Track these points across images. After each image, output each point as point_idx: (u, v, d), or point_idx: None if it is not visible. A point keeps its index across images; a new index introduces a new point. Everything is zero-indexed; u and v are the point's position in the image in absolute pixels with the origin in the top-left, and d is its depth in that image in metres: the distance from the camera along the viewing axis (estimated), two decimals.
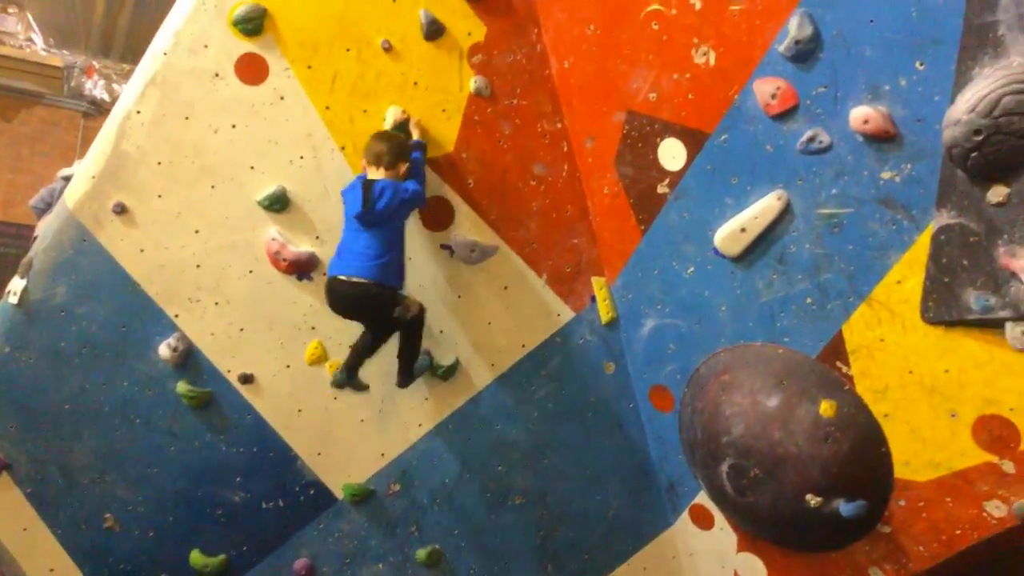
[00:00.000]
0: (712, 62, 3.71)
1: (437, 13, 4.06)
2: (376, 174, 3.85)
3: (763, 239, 3.76)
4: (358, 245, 3.81)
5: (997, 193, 3.02)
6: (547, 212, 4.37)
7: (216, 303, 4.06)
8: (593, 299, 4.44)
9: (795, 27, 3.39)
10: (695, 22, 3.70)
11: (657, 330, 4.29)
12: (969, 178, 3.08)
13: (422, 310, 4.01)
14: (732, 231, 3.84)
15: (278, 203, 4.00)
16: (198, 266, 4.01)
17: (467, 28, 4.14)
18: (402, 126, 4.07)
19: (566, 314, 4.44)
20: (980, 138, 2.94)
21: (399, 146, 3.90)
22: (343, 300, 3.86)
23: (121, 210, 3.89)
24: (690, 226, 4.02)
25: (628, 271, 4.35)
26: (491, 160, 4.26)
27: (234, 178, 3.97)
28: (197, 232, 3.98)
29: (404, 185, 3.86)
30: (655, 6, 3.81)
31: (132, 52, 10.24)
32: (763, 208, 3.72)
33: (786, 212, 3.67)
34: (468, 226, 4.26)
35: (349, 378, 4.05)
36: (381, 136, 3.92)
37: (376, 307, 3.89)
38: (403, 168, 3.89)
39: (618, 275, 4.40)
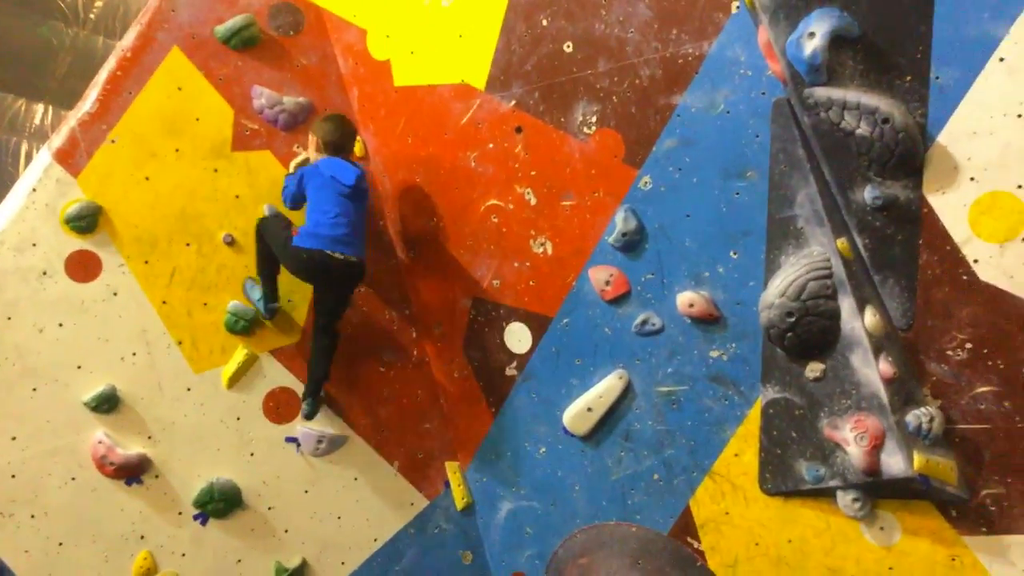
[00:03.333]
0: (550, 251, 3.91)
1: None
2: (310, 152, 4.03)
3: (609, 417, 3.86)
4: (343, 221, 3.85)
5: (814, 369, 3.25)
6: (398, 398, 4.33)
7: (32, 516, 3.70)
8: (447, 485, 4.36)
9: (621, 221, 3.65)
10: (531, 216, 3.91)
11: (513, 513, 4.23)
12: (788, 356, 3.31)
13: None
14: (579, 411, 3.91)
15: (107, 403, 3.78)
16: (13, 476, 3.68)
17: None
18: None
19: (420, 502, 4.32)
20: (793, 319, 3.19)
21: (349, 134, 4.07)
22: (331, 275, 3.90)
23: None
24: (539, 407, 4.08)
25: (482, 454, 4.32)
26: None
27: (59, 379, 3.74)
28: (14, 439, 3.68)
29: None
30: (493, 201, 4.01)
31: None
32: (606, 388, 3.83)
33: (628, 391, 3.80)
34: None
35: (314, 406, 4.04)
36: (341, 121, 4.04)
37: (353, 284, 4.06)
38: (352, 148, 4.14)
39: (472, 459, 4.36)
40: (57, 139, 3.86)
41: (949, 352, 3.04)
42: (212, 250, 3.97)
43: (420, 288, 4.35)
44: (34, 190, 3.77)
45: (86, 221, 3.78)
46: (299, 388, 4.12)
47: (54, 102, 10.94)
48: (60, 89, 10.72)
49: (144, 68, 3.93)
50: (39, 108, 11.05)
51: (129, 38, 4.00)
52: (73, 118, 3.90)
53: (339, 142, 3.97)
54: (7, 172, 10.92)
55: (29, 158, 10.93)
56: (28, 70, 10.61)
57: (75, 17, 10.43)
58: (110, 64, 3.95)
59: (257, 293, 4.03)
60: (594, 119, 3.69)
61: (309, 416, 4.05)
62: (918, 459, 2.98)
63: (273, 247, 3.92)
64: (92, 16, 10.44)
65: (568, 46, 3.70)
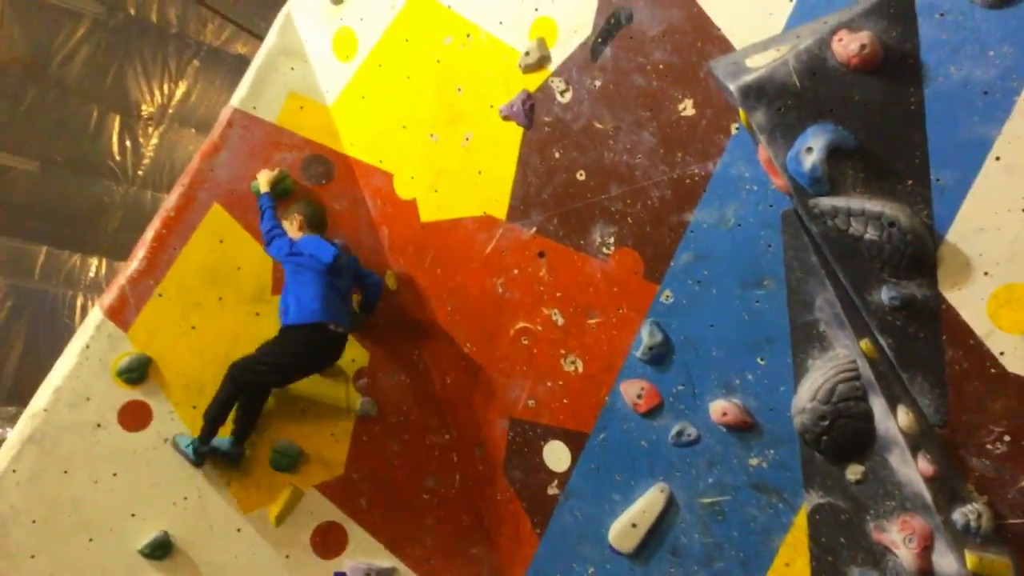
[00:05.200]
0: (580, 369, 3.99)
1: None
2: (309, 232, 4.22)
3: (654, 532, 3.83)
4: (331, 293, 4.03)
5: (854, 472, 3.23)
6: (443, 525, 4.35)
7: None
8: None
9: (647, 335, 3.74)
10: (560, 336, 4.02)
11: None
12: (826, 459, 3.30)
13: None
14: (624, 527, 3.90)
15: (160, 549, 3.87)
16: None
17: (351, 355, 4.36)
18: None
19: None
20: (826, 423, 3.20)
21: (323, 211, 4.36)
22: (328, 347, 4.07)
23: None
24: (584, 525, 4.07)
25: None
26: (383, 478, 4.30)
27: (113, 528, 3.85)
28: None
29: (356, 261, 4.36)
30: (522, 323, 4.14)
31: (19, 396, 10.09)
32: (649, 502, 3.83)
33: (671, 504, 3.79)
34: (362, 549, 4.18)
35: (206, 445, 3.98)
36: (309, 203, 4.30)
37: (338, 356, 4.20)
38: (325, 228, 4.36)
39: None
40: (108, 296, 4.10)
41: (988, 446, 3.02)
42: None
43: (458, 413, 4.43)
44: (87, 346, 3.99)
45: (137, 373, 3.97)
46: (345, 522, 4.17)
47: (107, 255, 11.54)
48: (113, 243, 11.34)
49: (187, 225, 4.21)
50: (93, 262, 11.65)
51: (172, 198, 4.29)
52: (123, 276, 4.15)
53: (320, 219, 4.28)
54: (63, 324, 11.43)
55: (84, 310, 11.46)
56: (83, 227, 11.27)
57: (124, 175, 11.12)
58: (155, 224, 4.23)
59: (186, 441, 4.01)
60: (612, 240, 3.84)
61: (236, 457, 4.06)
62: (971, 558, 2.91)
63: (259, 357, 4.03)
64: (140, 173, 11.12)
65: (581, 174, 3.89)
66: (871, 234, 3.08)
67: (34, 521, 3.77)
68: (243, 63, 10.20)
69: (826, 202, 3.14)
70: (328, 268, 4.03)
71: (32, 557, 3.74)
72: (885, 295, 3.12)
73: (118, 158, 10.92)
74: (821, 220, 3.15)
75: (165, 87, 10.63)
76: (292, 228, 4.20)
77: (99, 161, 10.90)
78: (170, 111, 10.85)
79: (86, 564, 3.79)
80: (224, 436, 4.02)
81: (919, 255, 3.05)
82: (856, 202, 3.11)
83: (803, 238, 3.31)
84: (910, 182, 3.08)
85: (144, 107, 10.68)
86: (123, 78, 10.31)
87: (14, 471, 3.78)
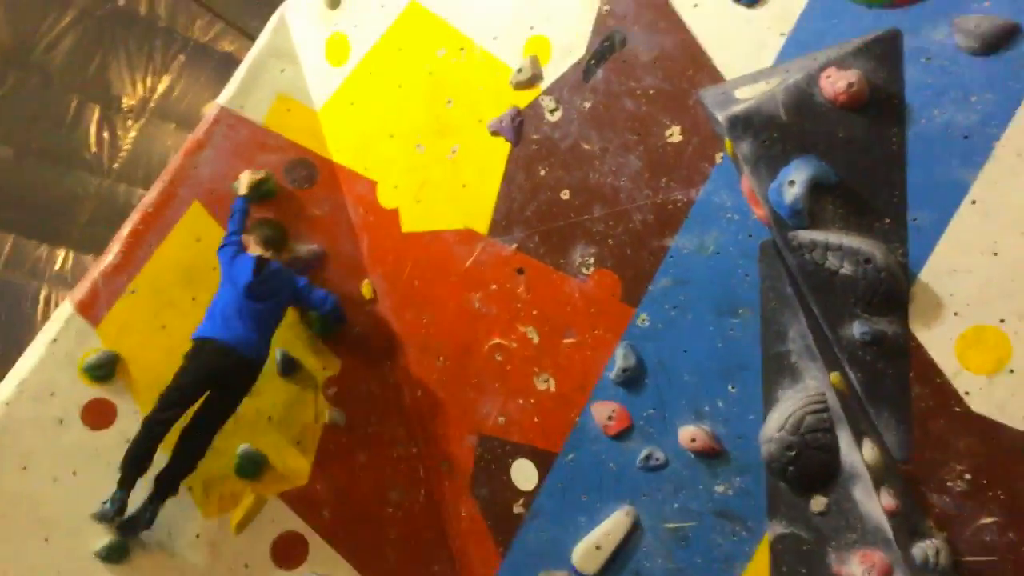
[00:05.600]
0: (553, 388, 4.00)
1: (292, 350, 4.25)
2: (264, 253, 4.07)
3: (618, 555, 3.84)
4: (243, 317, 3.87)
5: (818, 503, 3.26)
6: (405, 539, 4.32)
7: None
8: None
9: (621, 357, 3.76)
10: (534, 354, 4.03)
11: None
12: (791, 489, 3.33)
13: None
14: (588, 548, 3.89)
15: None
16: None
17: (322, 363, 4.33)
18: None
19: None
20: (793, 453, 3.24)
21: (282, 232, 4.20)
22: (212, 365, 3.82)
23: None
24: (548, 545, 4.06)
25: None
26: (346, 489, 4.27)
27: (71, 528, 3.76)
28: None
29: (305, 282, 4.16)
30: (497, 340, 4.14)
31: None
32: (614, 524, 3.83)
33: (636, 527, 3.80)
34: (322, 561, 4.13)
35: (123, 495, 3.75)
36: (267, 222, 4.16)
37: (240, 381, 3.94)
38: (284, 250, 4.19)
39: None
40: (79, 290, 4.04)
41: (949, 483, 3.06)
42: None
43: (427, 426, 4.41)
44: (55, 340, 3.92)
45: (104, 370, 3.91)
46: (307, 532, 4.13)
47: (76, 248, 11.34)
48: (82, 236, 11.14)
49: (165, 222, 4.17)
50: (60, 254, 11.44)
51: (152, 194, 4.25)
52: (95, 270, 4.09)
53: (277, 241, 4.17)
54: (25, 316, 11.20)
55: (48, 303, 11.24)
56: (53, 217, 11.07)
57: (99, 167, 10.96)
58: (133, 218, 4.18)
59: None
60: (592, 260, 3.86)
61: (149, 522, 3.81)
62: None
63: (171, 382, 3.86)
64: (116, 166, 10.97)
65: (565, 193, 3.91)
66: (847, 269, 3.13)
67: None
68: (229, 61, 10.14)
69: (805, 235, 3.18)
70: (243, 292, 3.93)
71: None
72: (857, 330, 3.16)
73: (94, 149, 10.75)
74: (799, 252, 3.20)
75: (148, 80, 10.52)
76: (251, 244, 4.14)
77: (75, 152, 10.73)
78: (151, 105, 10.73)
79: (41, 563, 3.70)
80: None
81: (892, 292, 3.10)
82: (834, 237, 3.16)
83: (780, 269, 3.36)
84: (888, 220, 3.14)
85: (125, 99, 10.56)
86: (106, 69, 10.19)
87: None
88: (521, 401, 4.10)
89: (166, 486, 3.83)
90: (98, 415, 3.88)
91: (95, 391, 3.90)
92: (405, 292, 4.43)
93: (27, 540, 3.70)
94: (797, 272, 3.24)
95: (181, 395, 3.84)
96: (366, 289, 4.45)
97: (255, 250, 4.09)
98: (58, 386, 3.85)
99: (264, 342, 4.01)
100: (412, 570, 4.27)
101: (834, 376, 3.24)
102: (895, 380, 3.15)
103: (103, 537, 3.78)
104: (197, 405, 3.89)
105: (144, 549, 3.86)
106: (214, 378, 3.88)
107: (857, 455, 3.15)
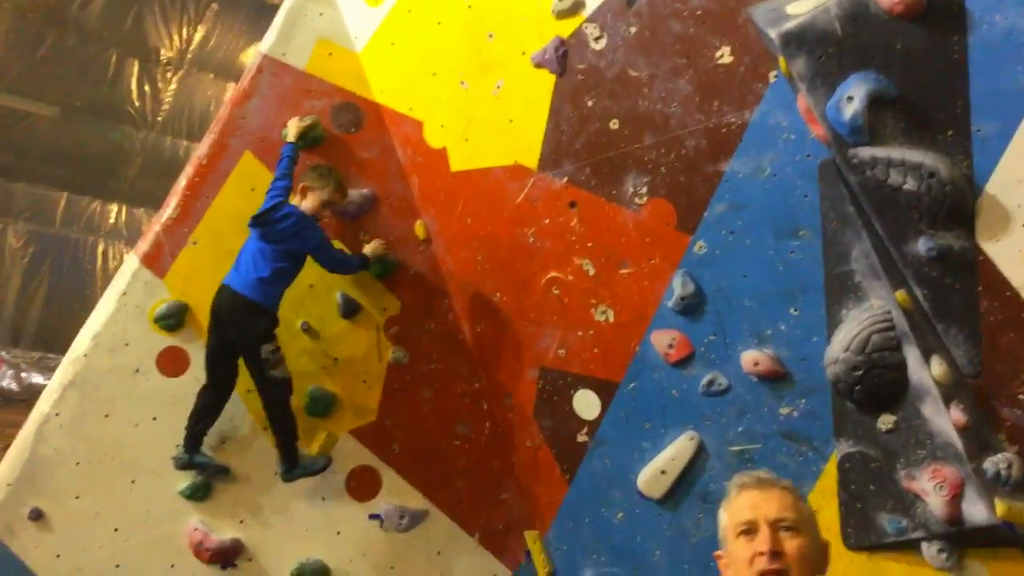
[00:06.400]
0: (611, 319, 4.02)
1: (352, 293, 4.32)
2: (293, 199, 4.02)
3: (684, 479, 3.89)
4: (252, 259, 3.87)
5: (886, 421, 3.26)
6: (473, 470, 4.43)
7: None
8: (528, 555, 4.41)
9: (679, 285, 3.76)
10: (591, 285, 4.04)
11: None
12: (858, 409, 3.34)
13: (289, 379, 3.97)
14: (653, 474, 3.96)
15: (200, 491, 3.97)
16: (117, 566, 3.87)
17: (383, 304, 4.40)
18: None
19: (503, 573, 4.38)
20: (860, 373, 3.23)
21: (320, 172, 4.10)
22: (223, 311, 3.85)
23: (37, 516, 3.79)
24: (613, 472, 4.14)
25: (559, 522, 4.37)
26: (414, 424, 4.37)
27: (155, 471, 3.95)
28: (116, 530, 3.88)
29: (319, 240, 4.02)
30: (553, 273, 4.16)
31: (43, 341, 10.28)
32: (678, 450, 3.88)
33: (700, 452, 3.84)
34: (396, 492, 4.27)
35: (192, 456, 3.89)
36: (318, 171, 4.11)
37: (250, 332, 3.85)
38: (307, 193, 4.03)
39: (550, 527, 4.41)
40: (143, 244, 4.15)
41: (1021, 396, 3.05)
42: (291, 338, 4.17)
43: (488, 361, 4.48)
44: (124, 293, 4.05)
45: (174, 319, 4.04)
46: (379, 466, 4.26)
47: (128, 202, 11.60)
48: (132, 190, 11.39)
49: (220, 173, 4.23)
50: (113, 208, 11.72)
51: (204, 147, 4.30)
52: (157, 223, 4.19)
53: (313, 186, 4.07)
54: (85, 270, 11.56)
55: (105, 256, 11.57)
56: (102, 173, 11.32)
57: (144, 120, 11.11)
58: (188, 172, 4.25)
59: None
60: (644, 190, 3.83)
61: (182, 465, 3.93)
62: (1000, 506, 2.96)
63: None
64: (159, 119, 11.10)
65: (614, 123, 3.87)
66: (910, 184, 3.07)
67: (78, 463, 3.87)
68: (262, 7, 10.11)
69: (866, 152, 3.13)
70: (255, 229, 3.93)
71: (77, 498, 3.86)
72: (922, 246, 3.12)
73: (137, 103, 10.90)
74: (860, 170, 3.14)
75: (184, 31, 10.56)
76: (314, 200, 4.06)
77: (118, 107, 10.90)
78: (189, 56, 10.79)
79: (129, 504, 3.91)
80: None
81: (958, 206, 3.05)
82: (896, 152, 3.10)
83: (840, 188, 3.31)
84: (951, 132, 3.07)
85: (163, 52, 10.63)
86: (142, 22, 10.25)
87: (57, 415, 3.87)
88: (580, 333, 4.13)
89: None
90: (172, 363, 4.02)
91: (167, 340, 4.03)
92: (458, 231, 4.45)
93: (115, 483, 3.90)
94: (859, 190, 3.19)
95: (209, 352, 3.94)
96: (419, 229, 4.48)
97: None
98: (131, 337, 3.99)
99: (272, 284, 3.92)
100: (482, 499, 4.40)
101: (900, 294, 3.20)
102: (963, 295, 3.11)
103: (186, 477, 3.96)
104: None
105: (225, 487, 4.03)
106: (223, 326, 3.88)
107: (925, 372, 3.13)
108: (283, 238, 3.93)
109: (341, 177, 4.18)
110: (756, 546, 1.92)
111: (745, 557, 1.94)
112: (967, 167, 3.04)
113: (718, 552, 2.08)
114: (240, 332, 3.88)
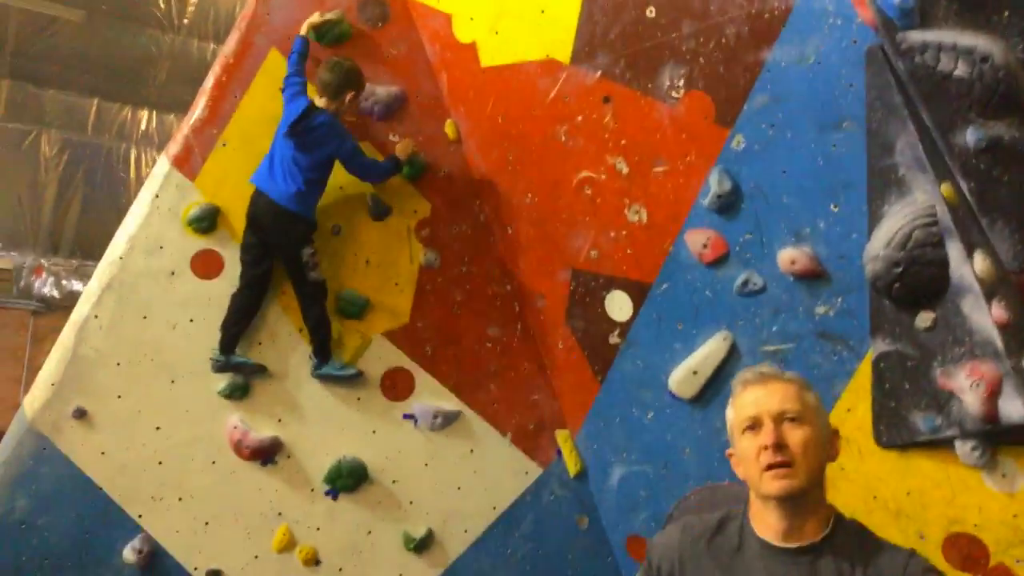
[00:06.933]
0: (644, 219, 3.95)
1: (383, 195, 4.28)
2: (320, 102, 4.00)
3: (715, 379, 3.88)
4: (287, 170, 3.91)
5: (924, 319, 3.20)
6: (505, 372, 4.46)
7: (180, 499, 4.00)
8: (559, 453, 4.48)
9: (715, 183, 3.66)
10: (624, 185, 3.96)
11: (625, 478, 4.32)
12: (896, 307, 3.27)
13: (324, 281, 4.09)
14: (685, 374, 3.95)
15: (239, 391, 4.04)
16: (160, 463, 3.98)
17: (413, 206, 4.36)
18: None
19: (534, 471, 4.45)
20: (900, 270, 3.15)
21: (342, 75, 4.02)
22: (264, 219, 3.93)
23: (81, 415, 3.88)
24: (644, 373, 4.14)
25: (590, 421, 4.42)
26: (446, 327, 4.39)
27: (193, 371, 4.01)
28: (158, 429, 3.98)
29: (351, 146, 4.02)
30: (586, 173, 4.07)
31: (81, 248, 10.42)
32: (711, 350, 3.86)
33: (733, 352, 3.82)
34: (429, 393, 4.32)
35: (228, 358, 4.01)
36: (330, 65, 4.05)
37: (291, 238, 3.96)
38: (348, 96, 4.02)
39: (581, 426, 4.46)
40: (174, 146, 4.11)
41: None
42: (323, 241, 4.16)
43: (520, 263, 4.45)
44: (157, 196, 4.04)
45: (207, 222, 4.03)
46: (412, 367, 4.30)
47: (157, 107, 11.54)
48: (161, 95, 11.31)
49: (246, 72, 4.14)
50: (144, 115, 11.67)
51: (230, 44, 4.20)
52: (186, 125, 4.13)
53: (330, 83, 4.01)
54: (119, 177, 11.61)
55: (139, 163, 11.59)
56: (130, 79, 11.24)
57: (170, 24, 10.94)
58: (215, 71, 4.17)
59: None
60: (682, 82, 3.69)
61: (219, 367, 4.02)
62: None
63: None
64: (185, 21, 10.92)
65: (651, 11, 3.71)
66: (961, 70, 2.92)
67: (118, 364, 3.95)
68: None
69: (915, 36, 2.96)
70: (287, 132, 3.89)
71: (119, 397, 3.95)
72: (971, 137, 2.98)
73: (163, 6, 10.72)
74: (909, 55, 2.99)
75: None
76: (343, 105, 4.03)
77: (144, 10, 10.72)
78: None
79: (170, 404, 3.99)
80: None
81: (1011, 92, 2.90)
82: (948, 36, 2.93)
83: (888, 77, 3.15)
84: (1006, 13, 2.88)
85: None
86: None
87: (96, 316, 3.93)
88: (613, 234, 4.07)
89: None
90: (207, 265, 4.04)
91: (201, 242, 4.04)
92: (489, 129, 4.36)
93: (155, 383, 3.98)
94: (907, 78, 3.04)
95: (247, 254, 3.99)
96: (450, 129, 4.40)
97: (318, 100, 4.00)
98: (166, 239, 4.00)
99: (308, 194, 3.98)
100: (514, 400, 4.44)
101: (945, 187, 3.08)
102: (1011, 187, 2.99)
103: (224, 378, 4.03)
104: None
105: (263, 386, 4.10)
106: (264, 232, 3.96)
107: (967, 268, 3.03)
108: (317, 145, 3.93)
109: (355, 67, 4.09)
110: (761, 440, 1.95)
111: (752, 452, 1.97)
112: (1023, 51, 2.87)
113: (729, 451, 2.11)
114: (281, 238, 3.97)
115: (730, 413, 2.09)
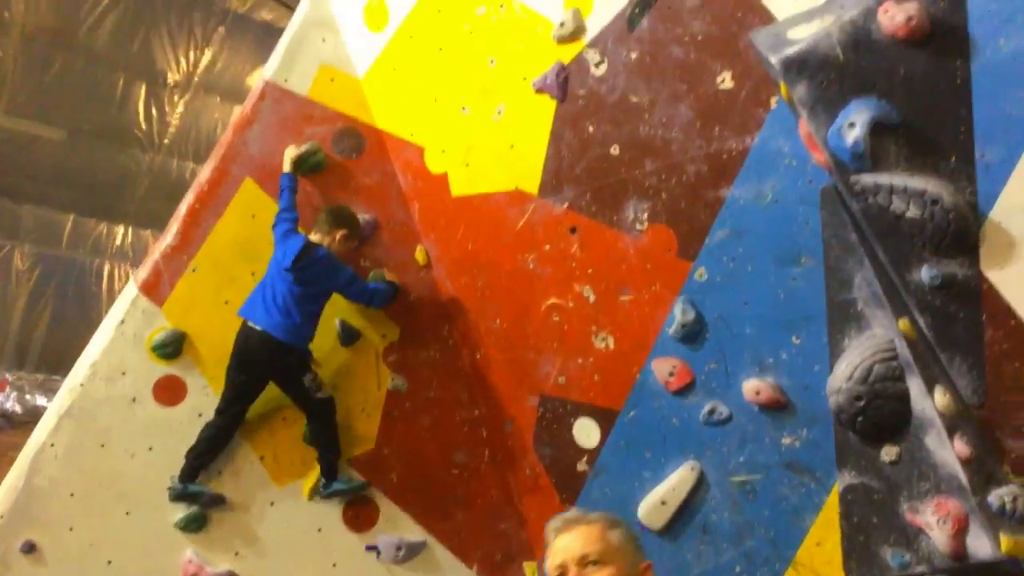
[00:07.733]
0: (611, 346, 3.98)
1: (352, 320, 4.29)
2: (314, 237, 4.05)
3: (684, 510, 3.83)
4: (283, 303, 3.90)
5: (889, 452, 3.20)
6: (472, 499, 4.38)
7: None
8: None
9: (680, 313, 3.71)
10: (591, 312, 4.00)
11: None
12: (861, 440, 3.28)
13: (333, 398, 4.09)
14: (654, 504, 3.90)
15: (195, 523, 3.93)
16: None
17: (382, 331, 4.37)
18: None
19: None
20: (862, 403, 3.17)
21: (334, 214, 4.12)
22: (258, 354, 3.90)
23: (30, 548, 3.76)
24: (613, 502, 4.07)
25: None
26: (413, 453, 4.33)
27: (150, 502, 3.91)
28: (110, 563, 3.85)
29: (349, 275, 4.07)
30: (553, 300, 4.12)
31: (47, 363, 10.27)
32: (679, 480, 3.82)
33: (701, 482, 3.78)
34: (393, 523, 4.22)
35: (186, 487, 3.90)
36: (326, 207, 4.18)
37: (290, 370, 4.00)
38: (338, 235, 4.08)
39: None
40: (142, 271, 4.13)
41: None
42: None
43: (488, 389, 4.44)
44: (122, 322, 4.03)
45: (171, 348, 4.01)
46: (376, 496, 4.21)
47: (134, 223, 11.63)
48: (139, 211, 11.43)
49: (220, 200, 4.21)
50: (120, 230, 11.75)
51: (205, 173, 4.29)
52: (156, 251, 4.17)
53: (321, 218, 4.16)
54: (91, 291, 11.58)
55: (112, 278, 11.58)
56: (109, 195, 11.37)
57: (150, 143, 11.16)
58: (189, 198, 4.24)
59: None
60: (645, 216, 3.80)
61: (176, 495, 3.94)
62: (1005, 540, 2.89)
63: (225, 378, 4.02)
64: (166, 141, 11.15)
65: (615, 149, 3.84)
66: (913, 211, 3.02)
67: (72, 494, 3.84)
68: (269, 30, 10.18)
69: (868, 179, 3.08)
70: (286, 270, 3.94)
71: (71, 529, 3.83)
72: (926, 274, 3.06)
73: (144, 126, 10.95)
74: (862, 197, 3.09)
75: (191, 54, 10.62)
76: (334, 242, 4.11)
77: (125, 129, 10.95)
78: (195, 79, 10.84)
79: (124, 536, 3.87)
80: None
81: (961, 233, 2.99)
82: (899, 179, 3.05)
83: (843, 215, 3.26)
84: (954, 159, 3.02)
85: (170, 75, 10.69)
86: (149, 46, 10.31)
87: (52, 445, 3.85)
88: (580, 360, 4.09)
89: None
90: (169, 392, 4.00)
91: (164, 368, 4.01)
92: (459, 256, 4.43)
93: (110, 514, 3.87)
94: (861, 217, 3.14)
95: (232, 390, 3.96)
96: (420, 255, 4.46)
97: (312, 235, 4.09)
98: (129, 366, 3.96)
99: (305, 326, 4.03)
100: (481, 528, 4.34)
101: (903, 323, 3.15)
102: (967, 324, 3.05)
103: (181, 509, 3.91)
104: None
105: (220, 518, 3.99)
106: (257, 367, 3.96)
107: (929, 402, 3.07)
108: (318, 278, 4.00)
109: (349, 209, 4.26)
110: None
111: None
112: (971, 194, 2.99)
113: None
114: (280, 371, 4.01)
115: (547, 561, 2.16)
